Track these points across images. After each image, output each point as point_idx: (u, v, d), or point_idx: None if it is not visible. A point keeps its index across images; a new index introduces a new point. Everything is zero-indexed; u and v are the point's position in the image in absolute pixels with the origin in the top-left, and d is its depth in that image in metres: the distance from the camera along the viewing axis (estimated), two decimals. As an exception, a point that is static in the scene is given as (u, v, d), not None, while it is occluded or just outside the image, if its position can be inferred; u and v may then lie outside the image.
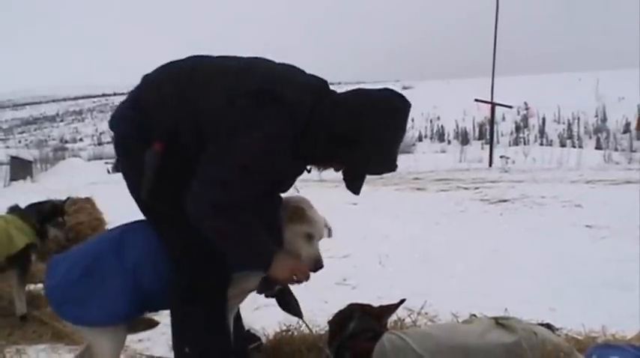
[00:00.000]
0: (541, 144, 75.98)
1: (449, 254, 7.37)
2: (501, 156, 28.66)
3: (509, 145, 62.99)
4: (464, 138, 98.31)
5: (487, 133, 46.32)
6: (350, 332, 3.33)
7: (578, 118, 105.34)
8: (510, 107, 33.24)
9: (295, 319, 3.87)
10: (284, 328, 4.24)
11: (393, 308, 3.50)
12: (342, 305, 3.57)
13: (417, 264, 6.97)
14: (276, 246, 3.24)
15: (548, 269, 6.39)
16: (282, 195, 3.56)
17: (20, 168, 31.57)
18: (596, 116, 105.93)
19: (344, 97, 3.19)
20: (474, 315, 3.90)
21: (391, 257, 7.34)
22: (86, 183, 21.81)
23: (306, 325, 3.83)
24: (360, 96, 3.16)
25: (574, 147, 55.25)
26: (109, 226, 7.53)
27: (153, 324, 4.32)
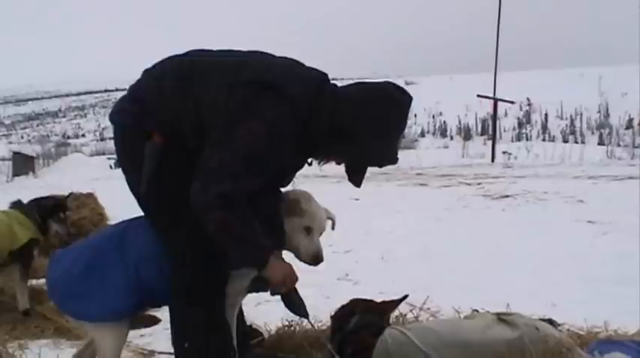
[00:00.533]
0: (543, 139, 75.87)
1: (451, 249, 7.37)
2: (504, 152, 28.66)
3: (512, 141, 62.99)
4: (466, 134, 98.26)
5: (489, 129, 46.34)
6: (352, 327, 3.33)
7: (581, 114, 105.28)
8: (513, 103, 33.24)
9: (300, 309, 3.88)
10: (286, 323, 4.24)
11: (395, 303, 3.50)
12: (344, 301, 3.58)
13: (419, 260, 6.98)
14: (276, 244, 3.24)
15: (550, 264, 6.38)
16: (282, 189, 3.56)
17: (22, 164, 31.53)
18: (599, 112, 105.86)
19: (345, 90, 3.20)
20: (476, 311, 3.90)
21: (393, 252, 7.34)
22: (88, 178, 21.79)
23: (308, 320, 3.83)
24: (360, 90, 3.17)
25: (576, 142, 55.20)
26: (111, 221, 7.56)
27: (155, 321, 4.34)
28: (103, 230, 4.49)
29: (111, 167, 33.15)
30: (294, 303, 3.38)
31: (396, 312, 3.91)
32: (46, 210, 5.56)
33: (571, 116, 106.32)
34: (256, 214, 3.08)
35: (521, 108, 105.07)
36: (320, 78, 3.26)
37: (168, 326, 3.40)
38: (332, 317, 3.54)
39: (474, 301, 4.51)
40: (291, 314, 3.74)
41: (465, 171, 18.72)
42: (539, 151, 27.04)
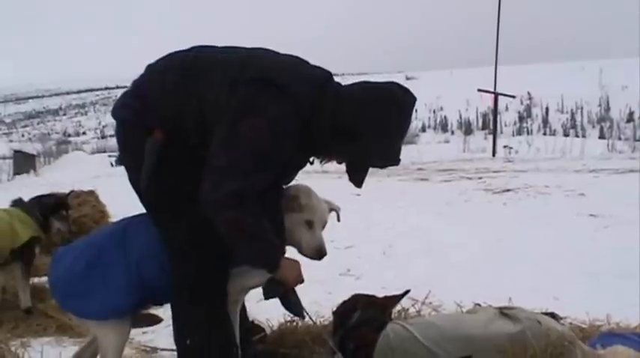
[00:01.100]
0: (544, 133, 75.85)
1: (453, 244, 7.37)
2: (505, 146, 28.62)
3: (513, 135, 63.00)
4: (467, 129, 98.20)
5: (490, 123, 46.30)
6: (354, 322, 3.33)
7: (582, 108, 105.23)
8: (513, 97, 33.20)
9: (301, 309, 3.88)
10: (288, 319, 4.24)
11: (397, 298, 3.50)
12: (346, 296, 3.58)
13: (420, 254, 6.98)
14: (282, 242, 3.24)
15: (552, 258, 6.38)
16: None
17: (23, 162, 31.51)
18: (600, 105, 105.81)
19: (348, 90, 3.18)
20: (478, 305, 3.90)
21: (395, 247, 7.35)
22: (89, 176, 21.81)
23: (309, 317, 3.84)
24: (364, 89, 3.15)
25: (577, 136, 55.13)
26: (113, 219, 7.56)
27: (156, 321, 4.34)
28: (105, 227, 4.49)
29: (112, 164, 33.14)
30: (291, 302, 3.37)
31: (397, 307, 3.92)
32: (48, 208, 5.56)
33: (572, 110, 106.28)
34: (266, 213, 3.09)
35: (522, 103, 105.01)
36: (323, 76, 3.25)
37: (171, 323, 3.40)
38: (334, 312, 3.54)
39: (475, 295, 4.52)
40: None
41: (466, 165, 18.73)
42: (540, 145, 27.02)
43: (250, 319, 4.08)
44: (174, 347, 3.39)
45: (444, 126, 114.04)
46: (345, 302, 3.51)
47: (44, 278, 5.43)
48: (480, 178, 13.99)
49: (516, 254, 6.69)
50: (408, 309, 4.32)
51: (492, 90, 27.10)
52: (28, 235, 5.30)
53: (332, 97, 3.11)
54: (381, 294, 3.55)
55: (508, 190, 11.64)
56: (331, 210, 3.52)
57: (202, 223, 3.03)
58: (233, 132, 2.95)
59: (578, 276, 5.67)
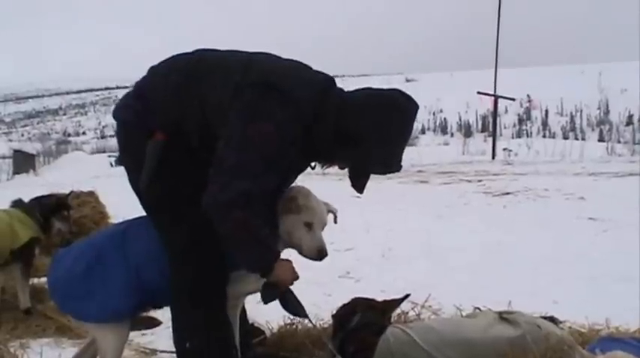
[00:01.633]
0: (544, 136, 75.72)
1: (452, 247, 7.37)
2: (504, 149, 28.59)
3: (512, 138, 62.82)
4: (467, 131, 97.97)
5: (490, 126, 46.23)
6: (354, 326, 3.34)
7: (581, 110, 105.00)
8: (513, 99, 33.15)
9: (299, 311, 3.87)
10: (288, 322, 4.25)
11: (396, 302, 3.50)
12: (345, 299, 3.58)
13: (420, 257, 6.98)
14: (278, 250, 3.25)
15: (551, 262, 6.39)
16: None
17: (23, 162, 31.50)
18: (599, 108, 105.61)
19: (351, 96, 3.19)
20: (478, 309, 3.90)
21: (394, 250, 7.35)
22: (89, 176, 21.78)
23: (309, 320, 3.84)
24: (367, 96, 3.16)
25: (577, 139, 55.04)
26: (112, 220, 7.56)
27: (155, 324, 4.34)
28: (105, 229, 4.49)
29: (111, 165, 33.09)
30: (292, 304, 3.37)
31: (397, 310, 3.92)
32: (49, 208, 5.56)
33: (571, 113, 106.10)
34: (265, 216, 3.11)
35: (521, 105, 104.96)
36: (326, 82, 3.25)
37: (170, 325, 3.41)
38: (333, 316, 3.55)
39: (475, 299, 4.52)
40: (293, 313, 3.75)
41: (465, 168, 18.72)
42: (540, 148, 27.02)
43: (250, 322, 4.08)
44: (174, 350, 3.39)
45: (443, 129, 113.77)
46: (344, 306, 3.52)
47: (43, 279, 5.42)
48: (480, 181, 13.99)
49: (516, 257, 6.69)
50: (407, 313, 4.32)
51: (492, 92, 27.09)
52: (28, 236, 5.29)
53: (335, 103, 3.11)
54: (380, 297, 3.56)
55: (508, 193, 11.64)
56: (329, 211, 3.52)
57: (203, 226, 3.04)
58: (241, 135, 2.96)
59: (577, 280, 5.67)
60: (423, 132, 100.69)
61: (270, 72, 3.13)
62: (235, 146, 2.96)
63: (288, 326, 4.25)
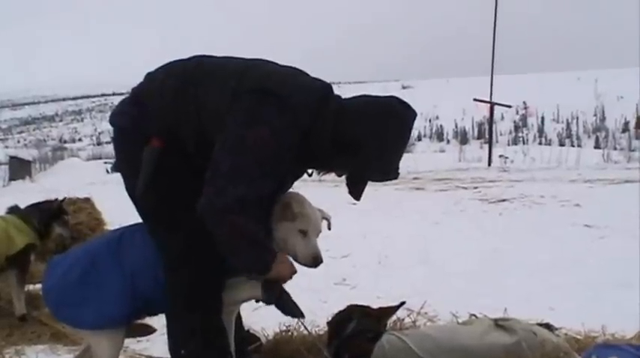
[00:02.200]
0: (540, 143, 75.81)
1: (448, 253, 7.37)
2: (500, 156, 28.62)
3: (508, 144, 62.90)
4: (463, 138, 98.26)
5: (486, 133, 46.27)
6: (349, 332, 3.33)
7: (577, 117, 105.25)
8: (509, 106, 33.21)
9: (295, 319, 3.87)
10: (284, 328, 4.24)
11: (392, 310, 3.50)
12: (341, 305, 3.58)
13: (416, 264, 6.97)
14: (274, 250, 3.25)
15: (547, 268, 6.39)
16: None
17: (19, 168, 31.51)
18: (595, 115, 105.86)
19: (349, 103, 3.20)
20: (474, 315, 3.90)
21: (391, 257, 7.34)
22: (85, 183, 21.74)
23: (304, 327, 3.84)
24: (365, 103, 3.17)
25: (573, 146, 55.22)
26: (108, 226, 7.56)
27: (149, 331, 4.33)
28: (100, 236, 4.49)
29: (107, 171, 33.09)
30: (288, 306, 3.37)
31: (393, 317, 3.91)
32: (49, 214, 5.57)
33: (567, 119, 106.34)
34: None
35: (517, 112, 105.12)
36: (324, 89, 3.26)
37: (165, 331, 3.40)
38: (329, 322, 3.54)
39: (471, 305, 4.51)
40: (289, 320, 3.75)
41: (461, 174, 18.72)
42: (536, 155, 27.04)
43: (246, 328, 4.08)
44: (169, 356, 3.39)
45: (439, 136, 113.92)
46: (340, 313, 3.51)
47: (39, 286, 5.41)
48: (476, 188, 13.99)
49: (512, 264, 6.69)
50: (403, 319, 4.32)
51: (488, 99, 27.13)
52: (24, 242, 5.29)
53: (333, 110, 3.12)
54: (376, 304, 3.55)
55: (504, 200, 11.63)
56: (322, 218, 3.52)
57: (198, 232, 3.04)
58: (237, 139, 2.97)
59: (573, 287, 5.67)
60: (419, 139, 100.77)
61: (267, 78, 3.14)
62: (231, 150, 2.97)
63: (283, 333, 4.25)
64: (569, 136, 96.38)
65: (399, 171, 3.22)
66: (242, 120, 3.00)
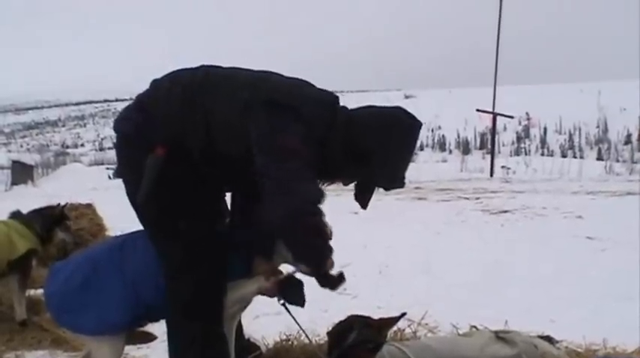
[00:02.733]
0: (542, 154, 75.89)
1: (449, 264, 7.35)
2: (502, 167, 28.63)
3: (511, 155, 62.95)
4: (465, 148, 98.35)
5: (488, 143, 46.25)
6: (350, 343, 3.32)
7: (580, 129, 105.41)
8: (512, 117, 33.19)
9: (295, 328, 3.88)
10: (284, 337, 4.24)
11: (393, 321, 3.49)
12: (342, 315, 3.57)
13: (417, 274, 6.96)
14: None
15: (548, 280, 6.37)
16: None
17: (21, 173, 31.48)
18: (598, 127, 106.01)
19: (358, 115, 3.26)
20: (475, 327, 3.90)
21: (392, 266, 7.33)
22: (87, 188, 21.76)
23: (306, 335, 3.83)
24: (372, 114, 3.24)
25: (575, 157, 55.20)
26: (110, 232, 7.55)
27: (150, 339, 4.32)
28: (102, 243, 4.49)
29: (109, 177, 33.07)
30: (293, 292, 3.42)
31: (394, 328, 3.91)
32: (52, 219, 5.58)
33: (570, 131, 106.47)
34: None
35: (520, 123, 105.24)
36: (332, 101, 3.31)
37: (166, 338, 3.40)
38: (329, 333, 3.53)
39: (472, 317, 4.51)
40: (289, 329, 3.74)
41: (463, 185, 18.71)
42: (538, 166, 27.07)
43: (246, 337, 4.07)
44: (169, 364, 3.39)
45: (442, 146, 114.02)
46: (340, 323, 3.51)
47: (40, 291, 5.42)
48: (478, 198, 13.98)
49: (513, 276, 6.67)
50: (404, 330, 4.32)
51: (491, 110, 27.13)
52: (26, 247, 5.29)
53: (343, 121, 3.17)
54: (377, 314, 3.54)
55: (505, 211, 11.62)
56: None
57: (199, 242, 3.05)
58: (276, 149, 3.00)
59: (575, 299, 5.65)
60: (421, 148, 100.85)
61: (277, 90, 3.17)
62: (276, 159, 3.00)
63: (284, 342, 4.25)
64: (572, 148, 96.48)
65: (405, 180, 3.26)
66: (268, 131, 3.03)
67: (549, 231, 9.35)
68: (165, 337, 3.42)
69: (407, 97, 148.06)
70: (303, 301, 3.47)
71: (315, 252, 3.16)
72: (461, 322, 4.46)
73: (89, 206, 8.56)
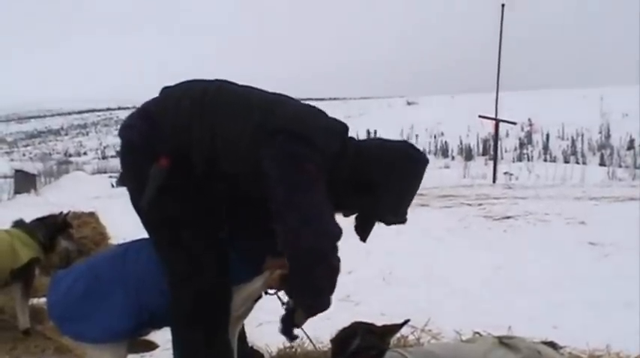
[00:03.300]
0: (545, 160, 75.76)
1: (452, 270, 7.34)
2: (505, 173, 28.60)
3: (513, 161, 62.85)
4: (468, 154, 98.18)
5: (491, 149, 46.26)
6: (353, 349, 3.32)
7: (582, 135, 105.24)
8: (514, 123, 33.17)
9: (299, 336, 3.88)
10: (287, 345, 4.23)
11: (396, 327, 3.49)
12: (345, 322, 3.56)
13: (420, 281, 6.95)
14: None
15: (551, 286, 6.36)
16: None
17: (24, 182, 31.42)
18: (600, 132, 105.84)
19: (365, 146, 3.29)
20: (478, 333, 3.90)
21: (395, 273, 7.32)
22: (90, 196, 21.72)
23: (311, 341, 3.83)
24: (379, 147, 3.27)
25: (578, 163, 55.11)
26: (113, 240, 7.55)
27: (152, 347, 4.33)
28: (105, 251, 4.49)
29: (112, 185, 33.07)
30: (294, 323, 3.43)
31: (397, 334, 3.91)
32: (55, 228, 5.58)
33: (572, 137, 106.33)
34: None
35: (522, 129, 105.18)
36: (342, 131, 3.32)
37: (169, 346, 3.40)
38: (332, 339, 3.53)
39: (475, 323, 4.51)
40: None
41: (466, 191, 18.67)
42: (541, 172, 27.01)
43: (249, 345, 4.07)
44: (173, 372, 3.39)
45: (444, 152, 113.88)
46: (344, 329, 3.50)
47: (43, 300, 5.41)
48: (480, 205, 13.94)
49: (516, 282, 6.66)
50: (407, 336, 4.32)
51: (493, 116, 27.12)
52: (29, 256, 5.29)
53: (351, 154, 3.19)
54: (380, 321, 3.54)
55: (508, 217, 11.59)
56: None
57: (201, 251, 3.05)
58: (298, 178, 3.00)
59: (578, 305, 5.64)
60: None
61: (293, 119, 3.17)
62: (298, 188, 3.00)
63: (287, 350, 4.25)
64: (574, 153, 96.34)
65: (407, 216, 3.29)
66: (287, 159, 3.03)
67: (552, 237, 9.33)
68: (167, 345, 3.42)
69: (409, 104, 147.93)
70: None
71: (325, 294, 3.26)
72: (464, 328, 4.46)
73: (92, 214, 8.58)
